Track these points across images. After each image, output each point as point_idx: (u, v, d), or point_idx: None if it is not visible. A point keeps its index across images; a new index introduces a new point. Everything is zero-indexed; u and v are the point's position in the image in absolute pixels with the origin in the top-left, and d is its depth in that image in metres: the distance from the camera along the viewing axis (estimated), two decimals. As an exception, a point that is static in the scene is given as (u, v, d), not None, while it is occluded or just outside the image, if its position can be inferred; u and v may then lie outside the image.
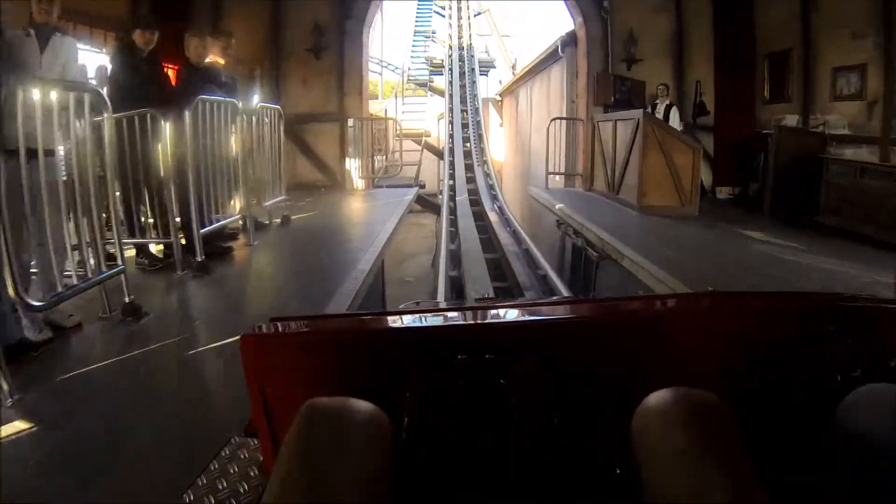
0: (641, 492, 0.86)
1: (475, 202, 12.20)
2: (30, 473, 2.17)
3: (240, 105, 5.69)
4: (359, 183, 10.75)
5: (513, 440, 1.01)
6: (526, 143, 17.29)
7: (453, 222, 10.50)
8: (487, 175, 14.30)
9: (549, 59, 13.51)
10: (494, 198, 12.49)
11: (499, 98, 23.37)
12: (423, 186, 12.40)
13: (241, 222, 6.16)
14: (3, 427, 2.38)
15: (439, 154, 16.18)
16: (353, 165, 10.67)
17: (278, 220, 7.09)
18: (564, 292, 7.49)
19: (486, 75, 23.16)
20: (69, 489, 2.10)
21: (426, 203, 12.60)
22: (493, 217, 10.88)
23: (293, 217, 7.40)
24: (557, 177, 11.02)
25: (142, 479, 2.17)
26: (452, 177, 13.81)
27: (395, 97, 18.68)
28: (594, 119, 10.05)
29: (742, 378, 1.14)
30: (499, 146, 20.21)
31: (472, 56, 21.78)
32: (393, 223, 7.08)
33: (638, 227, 7.10)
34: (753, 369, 1.15)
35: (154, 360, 3.25)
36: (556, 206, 8.82)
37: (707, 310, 1.44)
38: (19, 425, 2.45)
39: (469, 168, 14.60)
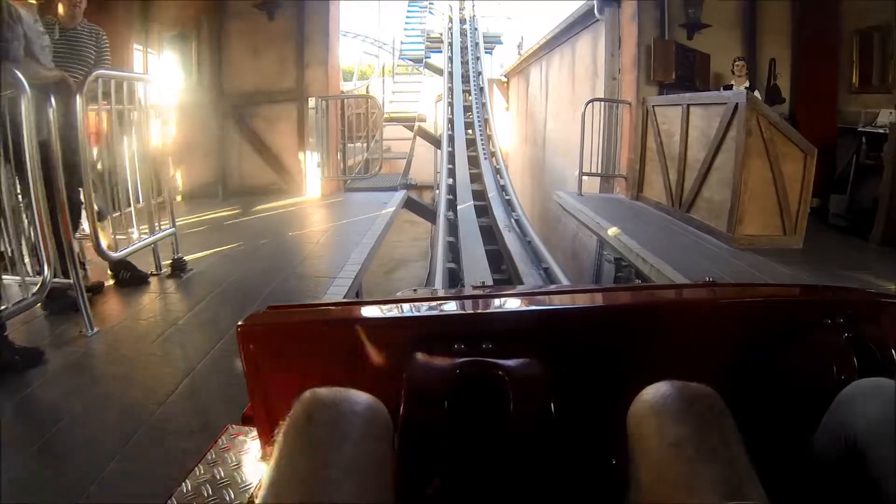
0: (636, 484, 0.86)
1: (483, 210, 9.10)
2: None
3: (22, 74, 2.83)
4: (322, 187, 7.99)
5: (509, 429, 0.97)
6: (539, 130, 14.61)
7: (453, 250, 7.55)
8: (497, 172, 11.14)
9: (577, 25, 10.69)
10: (509, 205, 9.35)
11: (504, 79, 20.78)
12: (413, 186, 9.68)
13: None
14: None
15: (436, 142, 13.38)
16: (315, 161, 7.90)
17: (168, 266, 4.44)
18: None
19: (491, 53, 20.21)
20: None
21: (418, 208, 9.80)
22: (511, 242, 7.71)
23: (198, 257, 4.79)
24: (585, 177, 8.25)
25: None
26: (452, 174, 10.72)
27: (383, 75, 15.65)
28: (647, 102, 7.34)
29: (738, 370, 1.14)
30: (504, 133, 17.41)
31: (476, 29, 18.70)
32: (353, 268, 4.47)
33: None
34: (750, 361, 1.17)
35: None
36: (610, 231, 6.06)
37: (704, 300, 1.42)
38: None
39: (473, 162, 11.49)
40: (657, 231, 6.14)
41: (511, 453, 0.96)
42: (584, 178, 7.98)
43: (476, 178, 10.28)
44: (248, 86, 7.98)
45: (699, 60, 7.80)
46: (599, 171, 8.20)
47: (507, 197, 9.27)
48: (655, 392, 0.89)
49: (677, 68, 7.57)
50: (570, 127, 11.33)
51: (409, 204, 9.06)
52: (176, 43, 8.46)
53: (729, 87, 7.23)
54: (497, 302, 1.52)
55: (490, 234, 7.92)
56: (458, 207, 8.41)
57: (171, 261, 4.45)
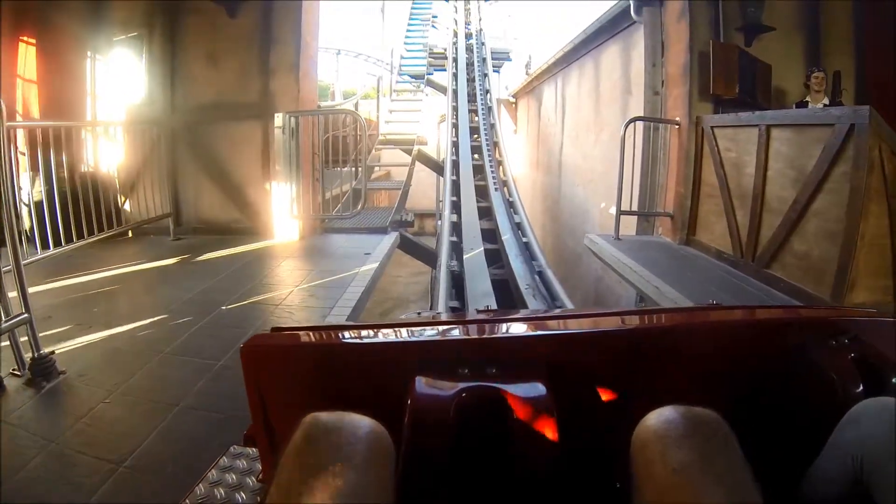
0: None
1: (495, 256, 7.22)
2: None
3: None
4: (292, 227, 6.36)
5: (513, 454, 0.98)
6: (554, 155, 13.11)
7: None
8: (511, 206, 9.19)
9: (602, 34, 9.21)
10: (528, 250, 7.37)
11: (512, 99, 19.37)
12: (409, 224, 8.08)
13: None
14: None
15: (438, 169, 11.80)
16: (282, 195, 6.26)
17: (23, 372, 2.95)
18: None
19: (499, 72, 18.70)
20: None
21: (415, 249, 8.19)
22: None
23: (86, 343, 3.33)
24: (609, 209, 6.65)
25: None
26: (457, 208, 8.87)
27: (378, 93, 13.97)
28: (704, 122, 5.80)
29: (743, 391, 1.14)
30: (513, 157, 15.87)
31: (483, 44, 17.08)
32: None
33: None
34: (755, 382, 1.17)
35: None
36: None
37: (708, 323, 1.40)
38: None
39: (482, 193, 9.63)
40: (729, 296, 4.57)
41: (515, 478, 0.96)
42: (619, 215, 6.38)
43: (485, 212, 8.53)
44: (205, 99, 6.45)
45: (760, 71, 6.26)
46: (637, 208, 6.59)
47: (524, 239, 7.51)
48: (659, 417, 0.87)
49: (739, 80, 6.03)
50: (593, 152, 9.84)
51: (405, 244, 7.48)
52: (125, 48, 7.04)
53: (802, 105, 5.76)
54: (502, 326, 1.49)
55: (506, 293, 6.14)
56: (464, 255, 6.69)
57: (29, 368, 2.93)
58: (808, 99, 5.80)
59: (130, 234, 6.34)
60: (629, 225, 6.66)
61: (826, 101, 5.74)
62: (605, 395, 1.12)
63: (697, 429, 0.84)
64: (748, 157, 5.03)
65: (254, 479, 1.43)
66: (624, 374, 1.14)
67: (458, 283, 6.25)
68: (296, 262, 5.30)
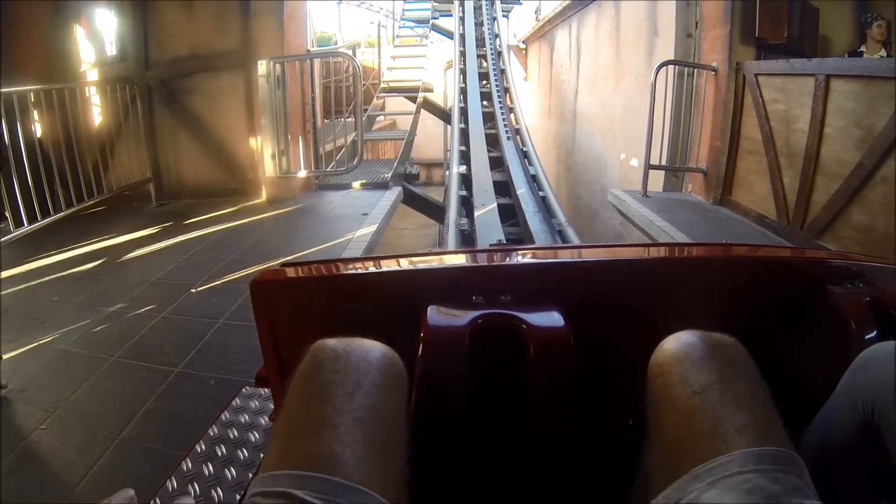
0: (658, 435, 0.83)
1: (509, 213, 6.51)
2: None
3: None
4: (282, 186, 5.75)
5: (529, 380, 0.96)
6: (568, 103, 12.34)
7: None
8: (525, 156, 8.25)
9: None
10: (546, 206, 6.62)
11: (522, 45, 18.42)
12: (414, 177, 7.48)
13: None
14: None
15: (446, 117, 11.08)
16: (269, 151, 5.56)
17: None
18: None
19: (507, 17, 17.67)
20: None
21: (420, 203, 7.57)
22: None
23: (41, 346, 2.90)
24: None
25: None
26: (466, 158, 8.02)
27: (379, 41, 12.99)
28: (747, 69, 5.12)
29: (758, 327, 1.04)
30: (523, 105, 15.07)
31: (491, -16, 16.16)
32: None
33: None
34: (769, 319, 1.15)
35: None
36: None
37: (725, 258, 1.36)
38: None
39: (493, 142, 8.71)
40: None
41: (531, 405, 0.96)
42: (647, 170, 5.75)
43: (497, 163, 7.88)
44: (181, 50, 5.77)
45: (807, 15, 5.51)
46: (665, 162, 5.92)
47: (541, 193, 6.92)
48: (678, 340, 0.86)
49: (787, 22, 5.32)
50: (611, 100, 9.13)
51: (409, 199, 6.90)
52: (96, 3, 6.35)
53: (856, 55, 5.11)
54: (515, 256, 1.40)
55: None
56: (475, 214, 6.10)
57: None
58: (862, 48, 5.18)
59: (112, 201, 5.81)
60: (654, 180, 6.02)
61: (884, 52, 5.13)
62: (620, 326, 1.09)
63: (717, 351, 0.82)
64: (800, 111, 4.40)
65: (266, 418, 1.44)
66: (639, 306, 1.11)
67: (468, 245, 5.68)
68: (283, 228, 4.73)
